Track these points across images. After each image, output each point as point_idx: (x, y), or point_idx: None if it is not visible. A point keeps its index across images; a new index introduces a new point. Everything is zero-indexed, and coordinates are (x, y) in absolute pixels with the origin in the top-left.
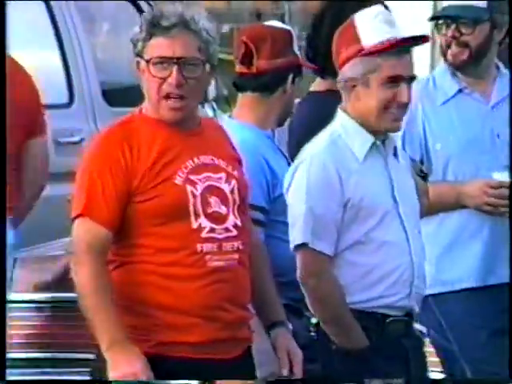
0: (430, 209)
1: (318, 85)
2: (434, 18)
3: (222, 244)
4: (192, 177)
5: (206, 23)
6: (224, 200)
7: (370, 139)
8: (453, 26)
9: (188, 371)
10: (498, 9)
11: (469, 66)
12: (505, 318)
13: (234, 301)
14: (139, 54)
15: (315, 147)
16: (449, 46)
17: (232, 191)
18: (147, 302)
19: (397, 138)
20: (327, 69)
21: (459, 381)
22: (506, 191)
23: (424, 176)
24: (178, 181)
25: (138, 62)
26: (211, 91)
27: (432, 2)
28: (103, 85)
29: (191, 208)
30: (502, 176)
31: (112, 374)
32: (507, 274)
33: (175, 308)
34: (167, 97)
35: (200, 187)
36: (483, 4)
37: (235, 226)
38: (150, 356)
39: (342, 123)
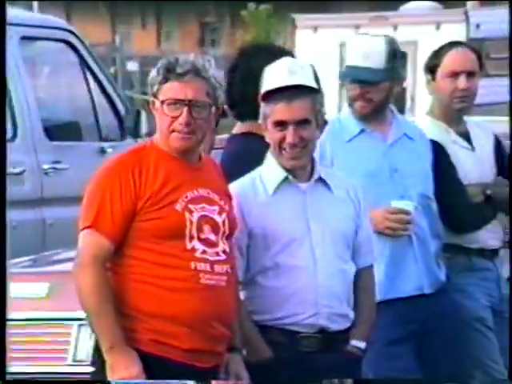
0: None
1: (237, 127)
2: (341, 77)
3: (214, 265)
4: (190, 206)
5: (214, 71)
6: (216, 229)
7: (281, 174)
8: (359, 86)
9: (180, 373)
10: (395, 67)
11: (371, 115)
12: (404, 329)
13: (219, 318)
14: (155, 95)
15: (235, 182)
16: (355, 100)
17: (223, 223)
18: (141, 308)
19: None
20: (243, 113)
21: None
22: (403, 217)
23: None
24: (179, 207)
25: (153, 102)
26: (144, 127)
27: None
28: (44, 121)
29: (187, 232)
30: (399, 204)
31: (110, 376)
32: (409, 289)
33: (163, 315)
34: (175, 131)
35: (196, 215)
36: (381, 65)
37: (224, 251)
38: (143, 354)
39: (267, 159)
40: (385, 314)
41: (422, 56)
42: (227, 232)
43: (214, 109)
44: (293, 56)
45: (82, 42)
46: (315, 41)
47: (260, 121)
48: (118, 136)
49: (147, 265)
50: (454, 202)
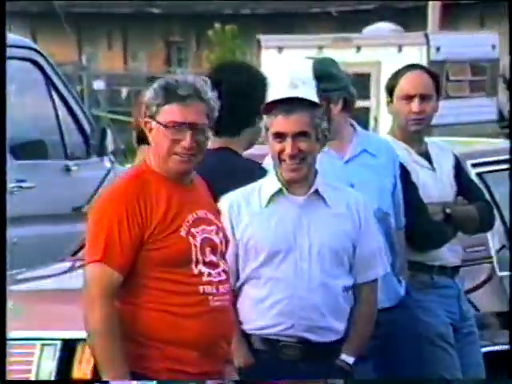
0: None
1: (212, 143)
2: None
3: (219, 286)
4: (192, 229)
5: (211, 93)
6: (215, 250)
7: (276, 186)
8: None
9: None
10: (329, 87)
11: None
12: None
13: (225, 338)
14: (151, 116)
15: (231, 192)
16: None
17: (221, 242)
18: (153, 336)
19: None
20: (219, 129)
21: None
22: None
23: None
24: (183, 233)
25: (147, 122)
26: (109, 145)
27: None
28: (9, 140)
29: (193, 257)
30: None
31: None
32: None
33: (179, 342)
34: (176, 153)
35: (199, 239)
36: (312, 87)
37: (224, 271)
38: (155, 381)
39: (270, 171)
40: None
41: (386, 77)
42: (223, 251)
43: (210, 130)
44: (261, 75)
45: (47, 61)
46: (280, 61)
47: (262, 133)
48: (83, 154)
49: (157, 292)
50: (415, 220)
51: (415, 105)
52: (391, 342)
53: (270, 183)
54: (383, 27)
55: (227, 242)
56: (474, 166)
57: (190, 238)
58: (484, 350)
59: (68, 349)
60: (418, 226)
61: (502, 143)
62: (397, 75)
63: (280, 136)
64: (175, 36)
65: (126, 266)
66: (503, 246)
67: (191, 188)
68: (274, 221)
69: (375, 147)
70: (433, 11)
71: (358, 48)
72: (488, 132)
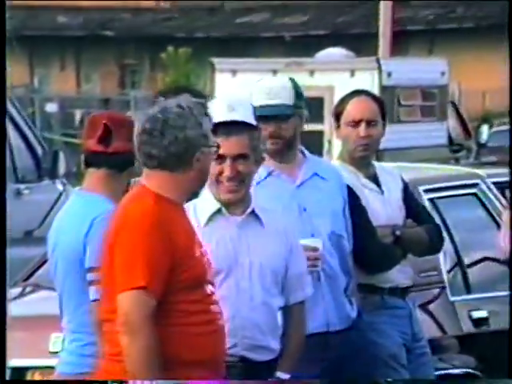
0: None
1: None
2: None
3: (218, 305)
4: (202, 250)
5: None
6: (210, 268)
7: (214, 206)
8: (273, 123)
9: None
10: (301, 106)
11: (282, 154)
12: (316, 366)
13: (224, 356)
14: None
15: None
16: (267, 139)
17: (210, 260)
18: (180, 357)
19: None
20: None
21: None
22: (311, 253)
23: None
24: (197, 254)
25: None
26: (61, 168)
27: None
28: None
29: (207, 277)
30: (307, 241)
31: None
32: (315, 326)
33: (200, 362)
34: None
35: (206, 259)
36: (290, 101)
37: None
38: None
39: (202, 192)
40: None
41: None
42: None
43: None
44: (205, 98)
45: None
46: (234, 84)
47: None
48: (35, 177)
49: (182, 314)
50: (365, 244)
51: (362, 130)
52: (344, 365)
53: (206, 203)
54: (335, 52)
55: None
56: (426, 191)
57: (203, 259)
58: (439, 373)
59: (18, 376)
60: (367, 248)
61: (453, 169)
62: (343, 101)
63: (219, 158)
64: (129, 58)
65: (161, 294)
66: (455, 265)
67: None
68: (215, 240)
69: (325, 171)
70: (383, 37)
71: (311, 72)
72: (439, 156)
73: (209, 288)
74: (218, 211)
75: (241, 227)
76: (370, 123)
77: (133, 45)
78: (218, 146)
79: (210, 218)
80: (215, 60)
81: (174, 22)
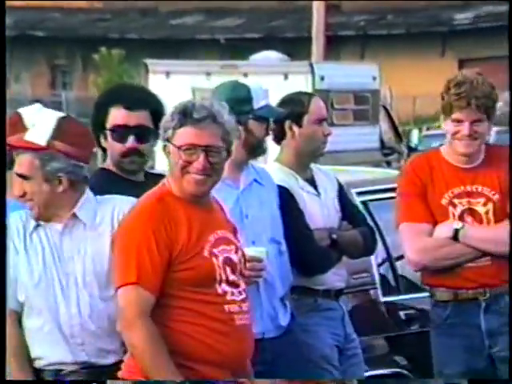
0: None
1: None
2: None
3: (242, 305)
4: (214, 250)
5: (228, 116)
6: (235, 269)
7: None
8: (271, 124)
9: None
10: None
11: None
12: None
13: (250, 354)
14: (168, 139)
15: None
16: (263, 139)
17: (239, 261)
18: (186, 354)
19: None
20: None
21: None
22: (256, 264)
23: None
24: (206, 254)
25: (165, 146)
26: None
27: None
28: None
29: (217, 277)
30: (252, 251)
31: None
32: (256, 332)
33: (209, 361)
34: (189, 174)
35: (221, 259)
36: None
37: (244, 289)
38: None
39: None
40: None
41: (273, 104)
42: (242, 269)
43: (226, 152)
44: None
45: None
46: (168, 86)
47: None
48: None
49: (184, 312)
50: (302, 247)
51: (326, 128)
52: (278, 367)
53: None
54: (270, 55)
55: (245, 260)
56: (359, 194)
57: (214, 259)
58: (369, 373)
59: None
60: (304, 252)
61: (385, 173)
62: (301, 101)
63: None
64: (60, 59)
65: (158, 288)
66: (387, 266)
67: (210, 209)
68: (38, 250)
69: (261, 177)
70: (316, 42)
71: (245, 75)
72: (371, 159)
73: (222, 287)
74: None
75: (64, 233)
76: (327, 122)
77: (64, 45)
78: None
79: (33, 229)
80: (149, 61)
81: (106, 22)
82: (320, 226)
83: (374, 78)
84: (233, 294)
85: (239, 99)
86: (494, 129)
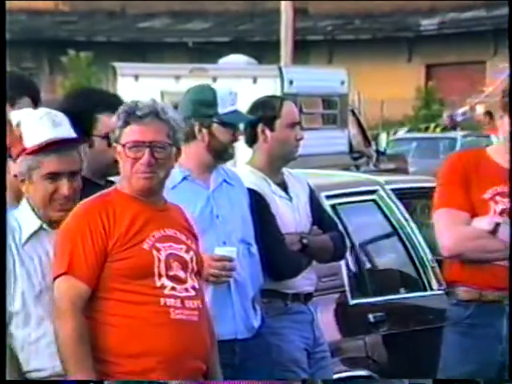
0: None
1: None
2: (228, 121)
3: (185, 301)
4: (158, 244)
5: (173, 113)
6: (184, 266)
7: (36, 224)
8: (238, 129)
9: None
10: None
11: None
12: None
13: (193, 353)
14: (116, 140)
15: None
16: (231, 143)
17: (191, 260)
18: (112, 349)
19: None
20: None
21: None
22: (227, 264)
23: None
24: (146, 246)
25: (115, 147)
26: None
27: None
28: None
29: (156, 270)
30: (223, 251)
31: None
32: (223, 334)
33: (138, 353)
34: (137, 172)
35: (164, 253)
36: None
37: (193, 287)
38: None
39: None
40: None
41: (242, 107)
42: (195, 269)
43: (174, 149)
44: (118, 99)
45: None
46: (136, 89)
47: (18, 173)
48: None
49: (119, 304)
50: (272, 251)
51: (299, 131)
52: (246, 370)
53: (26, 220)
54: (238, 59)
55: (202, 261)
56: (328, 197)
57: (154, 252)
58: (338, 376)
59: None
60: (275, 256)
61: (353, 176)
62: (273, 105)
63: (53, 176)
64: (27, 62)
65: (93, 278)
66: (356, 269)
67: (163, 209)
68: (35, 259)
69: (231, 178)
70: (285, 46)
71: (214, 78)
72: (340, 163)
73: (161, 281)
74: (40, 228)
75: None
76: (299, 126)
77: (31, 48)
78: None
79: (31, 238)
80: (117, 64)
81: (73, 25)
82: (291, 230)
83: (343, 83)
84: (174, 288)
85: (203, 102)
86: (460, 133)
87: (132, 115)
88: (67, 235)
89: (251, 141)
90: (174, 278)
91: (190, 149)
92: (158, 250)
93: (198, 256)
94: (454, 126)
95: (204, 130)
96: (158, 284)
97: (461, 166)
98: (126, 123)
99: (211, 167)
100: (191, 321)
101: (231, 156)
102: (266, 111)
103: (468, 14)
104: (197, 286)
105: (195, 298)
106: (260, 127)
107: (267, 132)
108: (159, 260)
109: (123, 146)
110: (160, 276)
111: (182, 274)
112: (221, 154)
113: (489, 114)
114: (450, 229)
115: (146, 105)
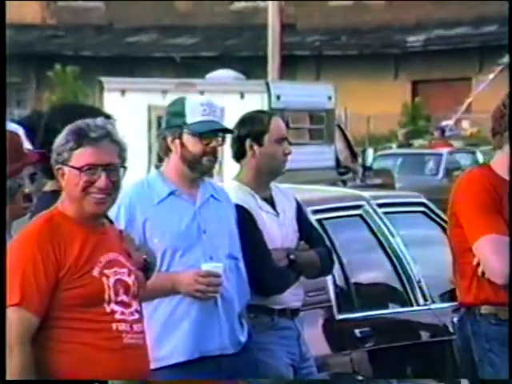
0: (148, 296)
1: (48, 185)
2: (201, 130)
3: (133, 325)
4: (106, 271)
5: (119, 134)
6: (127, 290)
7: None
8: (220, 138)
9: None
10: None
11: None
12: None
13: (139, 375)
14: (63, 162)
15: None
16: (205, 155)
17: (133, 283)
18: (67, 376)
19: None
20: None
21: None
22: (213, 279)
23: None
24: (96, 274)
25: (59, 169)
26: None
27: None
28: None
29: (106, 296)
30: (209, 266)
31: None
32: (212, 349)
33: (94, 379)
34: (91, 195)
35: (112, 279)
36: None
37: (137, 310)
38: None
39: None
40: (191, 373)
41: (229, 123)
42: (136, 292)
43: (122, 170)
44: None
45: None
46: (123, 104)
47: None
48: None
49: (71, 331)
50: (260, 267)
51: (287, 146)
52: None
53: None
54: (225, 74)
55: (139, 283)
56: (314, 212)
57: (104, 279)
58: None
59: None
60: (262, 272)
61: (339, 191)
62: (261, 121)
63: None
64: (13, 76)
65: (43, 309)
66: (342, 284)
67: (104, 232)
68: None
69: (218, 193)
70: (272, 61)
71: (202, 93)
72: (327, 178)
73: (110, 307)
74: None
75: None
76: (287, 141)
77: (17, 62)
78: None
79: None
80: (104, 79)
81: (60, 39)
82: (278, 245)
83: (330, 98)
84: (123, 313)
85: (174, 113)
86: (445, 149)
87: (85, 137)
88: (17, 262)
89: (239, 156)
90: (122, 303)
91: (170, 161)
92: (107, 277)
93: (138, 276)
94: (444, 136)
95: (176, 141)
96: (108, 310)
97: (491, 188)
98: (78, 145)
99: (193, 180)
100: (139, 344)
101: (207, 168)
102: (254, 126)
103: (454, 31)
104: (139, 308)
105: (140, 321)
106: (248, 142)
107: (255, 147)
108: (108, 287)
109: (78, 169)
110: (109, 302)
111: (126, 299)
112: (193, 165)
113: (440, 129)
114: (501, 255)
115: (99, 126)
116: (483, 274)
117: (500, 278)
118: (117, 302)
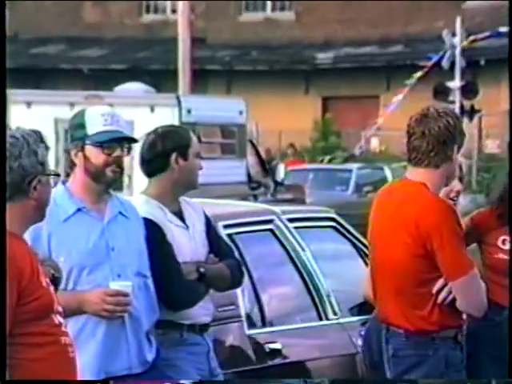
0: None
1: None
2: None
3: (71, 338)
4: (47, 280)
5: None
6: (58, 301)
7: None
8: (126, 147)
9: None
10: None
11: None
12: None
13: None
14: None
15: None
16: (109, 165)
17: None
18: None
19: None
20: None
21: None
22: (122, 299)
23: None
24: (44, 284)
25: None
26: None
27: None
28: None
29: (55, 307)
30: (117, 285)
31: None
32: (118, 369)
33: None
34: None
35: (52, 288)
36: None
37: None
38: None
39: None
40: None
41: (139, 136)
42: None
43: None
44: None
45: None
46: (29, 116)
47: None
48: None
49: (25, 348)
50: (169, 281)
51: (200, 161)
52: None
53: None
54: (135, 87)
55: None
56: (225, 227)
57: (50, 288)
58: None
59: None
60: (171, 286)
61: (250, 206)
62: (186, 135)
63: None
64: None
65: (10, 326)
66: (253, 299)
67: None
68: None
69: (126, 209)
70: (183, 75)
71: (111, 106)
72: (238, 193)
73: (57, 318)
74: None
75: None
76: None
77: None
78: (57, 174)
79: None
80: (9, 91)
81: None
82: (188, 259)
83: (241, 113)
84: (65, 325)
85: (75, 126)
86: (355, 165)
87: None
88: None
89: (159, 170)
90: (60, 314)
91: (75, 175)
92: (49, 286)
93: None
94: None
95: (79, 154)
96: (56, 321)
97: (456, 217)
98: None
99: (100, 194)
100: (74, 358)
101: (111, 179)
102: (180, 141)
103: (362, 50)
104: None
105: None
106: (174, 156)
107: (180, 161)
108: (55, 295)
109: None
110: (56, 313)
111: (60, 309)
112: (97, 177)
113: (292, 146)
114: (479, 292)
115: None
116: (443, 300)
117: (480, 312)
118: (59, 313)
